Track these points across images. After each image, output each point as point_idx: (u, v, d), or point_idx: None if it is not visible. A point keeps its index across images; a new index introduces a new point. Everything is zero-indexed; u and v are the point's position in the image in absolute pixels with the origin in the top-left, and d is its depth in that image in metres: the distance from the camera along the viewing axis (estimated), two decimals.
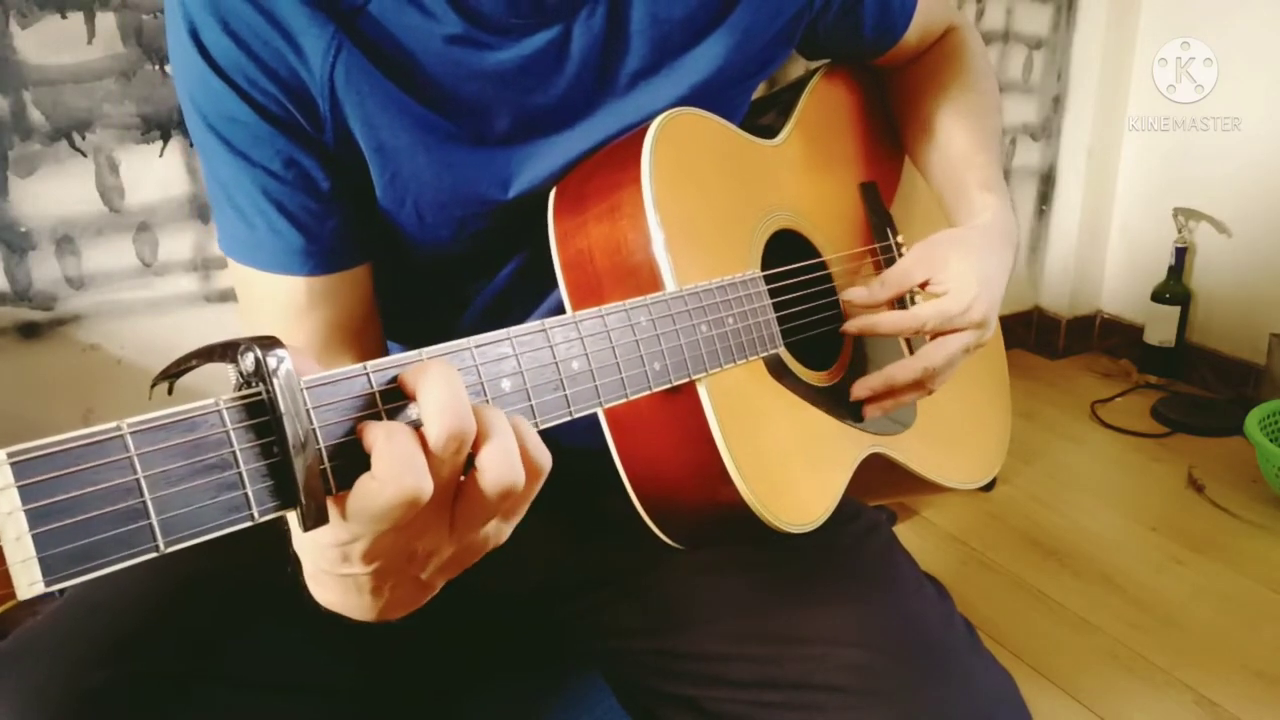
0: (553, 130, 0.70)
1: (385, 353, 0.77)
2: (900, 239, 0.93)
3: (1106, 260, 2.40)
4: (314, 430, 0.40)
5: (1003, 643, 1.41)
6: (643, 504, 0.68)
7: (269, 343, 0.39)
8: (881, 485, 0.91)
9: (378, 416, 0.42)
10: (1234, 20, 2.01)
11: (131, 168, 1.34)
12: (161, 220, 1.38)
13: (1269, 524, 1.70)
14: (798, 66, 1.00)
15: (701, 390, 0.63)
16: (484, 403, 0.44)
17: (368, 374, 0.43)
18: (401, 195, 0.69)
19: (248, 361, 0.39)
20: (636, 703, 0.78)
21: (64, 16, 1.26)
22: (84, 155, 1.31)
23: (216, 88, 0.62)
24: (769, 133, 0.84)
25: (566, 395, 0.52)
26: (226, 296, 1.44)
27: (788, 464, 0.71)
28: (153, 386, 0.41)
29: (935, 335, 0.78)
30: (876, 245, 0.91)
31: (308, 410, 0.40)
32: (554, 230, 0.68)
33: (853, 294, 0.80)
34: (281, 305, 0.69)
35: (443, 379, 0.41)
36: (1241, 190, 2.08)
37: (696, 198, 0.70)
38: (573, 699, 0.89)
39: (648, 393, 0.58)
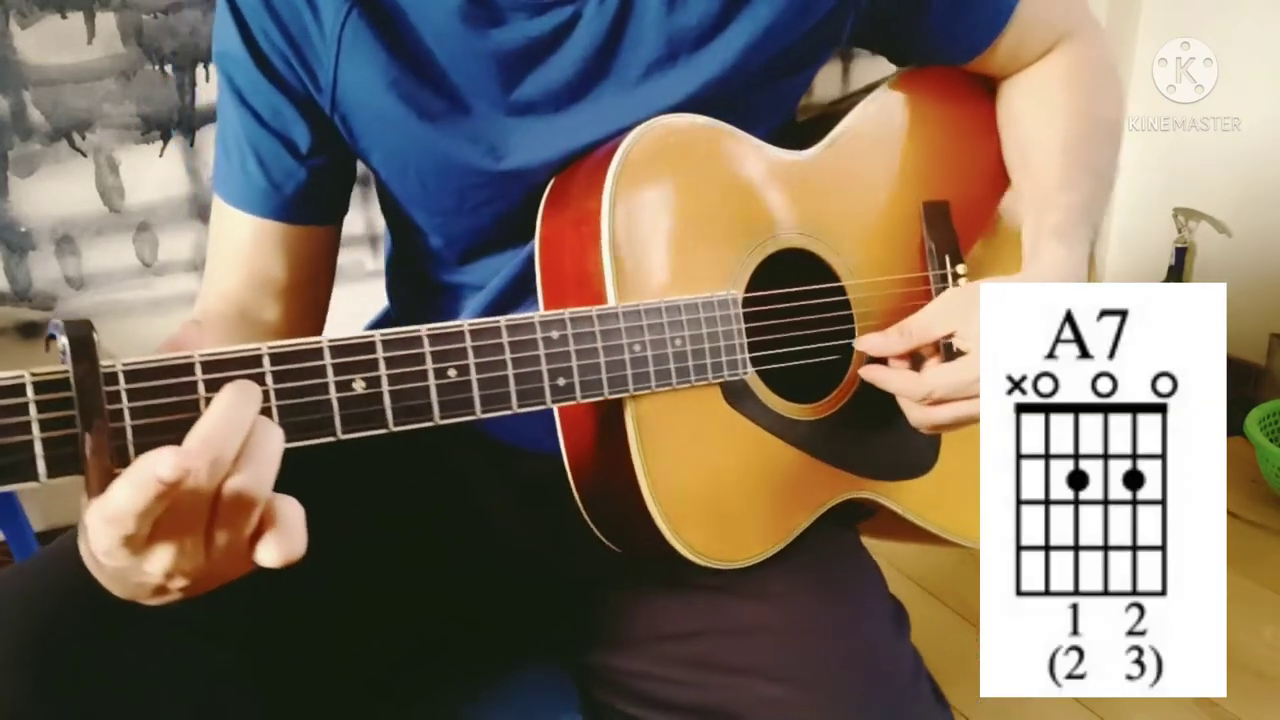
0: (549, 110, 0.70)
1: (323, 318, 0.79)
2: (961, 269, 0.80)
3: (1106, 260, 2.40)
4: (122, 409, 0.45)
5: None
6: (582, 502, 0.69)
7: (80, 326, 0.44)
8: (873, 529, 0.84)
9: (195, 404, 0.46)
10: (1234, 20, 2.01)
11: (131, 168, 1.35)
12: (161, 220, 1.38)
13: (1269, 524, 1.70)
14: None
15: (627, 409, 0.63)
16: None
17: (195, 362, 0.47)
18: (403, 164, 0.71)
19: (60, 343, 0.44)
20: (592, 713, 0.76)
21: (64, 16, 1.26)
22: (84, 155, 1.31)
23: (232, 30, 0.68)
24: (804, 143, 0.77)
25: (434, 402, 0.54)
26: None
27: (723, 496, 0.68)
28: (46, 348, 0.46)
29: (945, 402, 0.71)
30: (929, 274, 0.80)
31: (119, 390, 0.45)
32: (542, 223, 0.69)
33: (867, 341, 0.74)
34: (234, 244, 0.73)
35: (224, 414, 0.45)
36: (1241, 190, 2.08)
37: (670, 212, 0.67)
38: (538, 703, 0.87)
39: (542, 407, 0.59)
